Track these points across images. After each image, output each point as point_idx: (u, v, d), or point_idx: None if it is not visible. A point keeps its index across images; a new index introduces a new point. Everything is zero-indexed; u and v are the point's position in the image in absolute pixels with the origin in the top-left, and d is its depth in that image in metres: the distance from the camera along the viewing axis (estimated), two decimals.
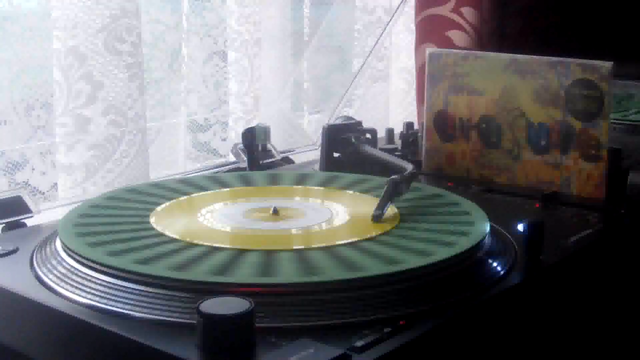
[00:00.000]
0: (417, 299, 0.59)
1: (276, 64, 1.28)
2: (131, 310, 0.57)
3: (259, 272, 0.60)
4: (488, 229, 0.70)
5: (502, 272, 0.65)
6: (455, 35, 1.31)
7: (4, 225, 0.77)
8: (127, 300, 0.58)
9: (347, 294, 0.57)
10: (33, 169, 0.99)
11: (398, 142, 1.08)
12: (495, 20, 1.38)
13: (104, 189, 0.98)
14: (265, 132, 1.00)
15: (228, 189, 0.84)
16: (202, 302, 0.52)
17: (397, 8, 1.41)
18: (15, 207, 0.78)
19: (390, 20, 1.41)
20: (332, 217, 0.75)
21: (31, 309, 0.60)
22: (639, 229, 0.81)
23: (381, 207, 0.74)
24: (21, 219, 0.78)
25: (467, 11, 1.31)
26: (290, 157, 1.09)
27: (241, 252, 0.64)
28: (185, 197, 0.81)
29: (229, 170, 1.04)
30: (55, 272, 0.63)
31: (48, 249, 0.67)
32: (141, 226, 0.71)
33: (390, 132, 1.09)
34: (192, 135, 1.17)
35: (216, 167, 1.09)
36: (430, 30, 1.33)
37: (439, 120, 0.99)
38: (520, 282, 0.64)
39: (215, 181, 0.86)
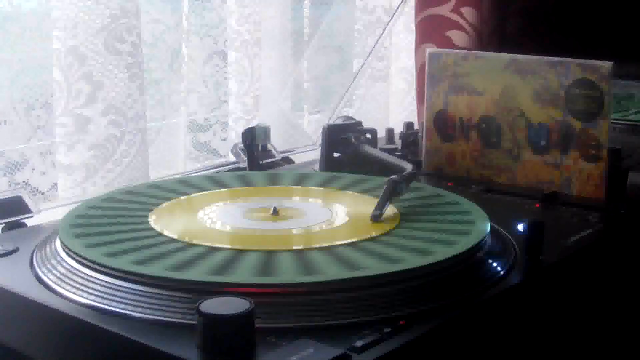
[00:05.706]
0: (417, 299, 0.59)
1: (276, 64, 1.28)
2: (131, 310, 0.57)
3: (259, 272, 0.60)
4: (488, 229, 0.70)
5: (502, 272, 0.65)
6: (455, 35, 1.31)
7: (4, 225, 0.77)
8: (127, 300, 0.58)
9: (347, 294, 0.57)
10: (33, 169, 0.99)
11: (398, 142, 1.08)
12: (495, 20, 1.38)
13: (104, 189, 0.98)
14: (265, 132, 1.00)
15: (228, 189, 0.84)
16: (202, 302, 0.52)
17: (397, 8, 1.41)
18: (15, 207, 0.78)
19: (390, 20, 1.41)
20: (332, 217, 0.75)
21: (31, 309, 0.60)
22: (639, 229, 0.81)
23: (380, 207, 0.74)
24: (21, 219, 0.78)
25: (467, 11, 1.31)
26: (290, 157, 1.09)
27: (241, 252, 0.64)
28: (184, 197, 0.81)
29: (229, 170, 1.04)
30: (55, 272, 0.63)
31: (48, 249, 0.67)
32: (141, 226, 0.71)
33: (390, 132, 1.09)
34: (192, 135, 1.17)
35: (216, 167, 1.09)
36: (430, 30, 1.33)
37: (439, 120, 0.99)
38: (520, 282, 0.64)
39: (214, 181, 0.86)
